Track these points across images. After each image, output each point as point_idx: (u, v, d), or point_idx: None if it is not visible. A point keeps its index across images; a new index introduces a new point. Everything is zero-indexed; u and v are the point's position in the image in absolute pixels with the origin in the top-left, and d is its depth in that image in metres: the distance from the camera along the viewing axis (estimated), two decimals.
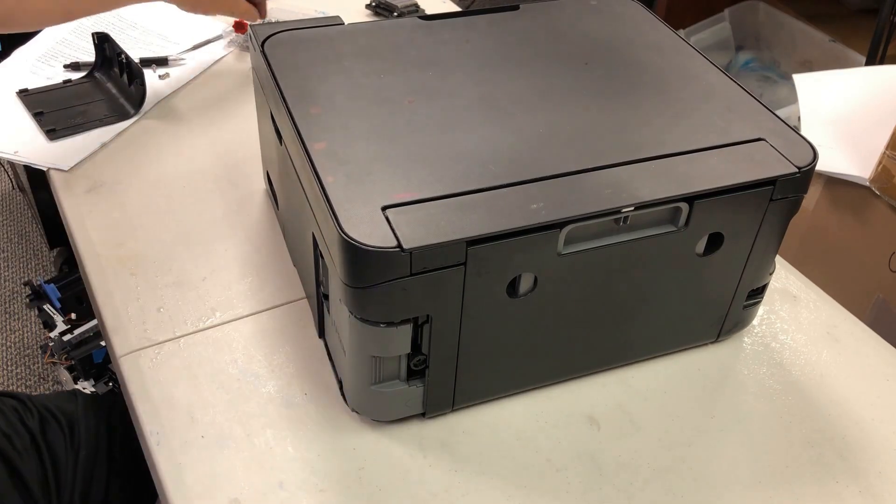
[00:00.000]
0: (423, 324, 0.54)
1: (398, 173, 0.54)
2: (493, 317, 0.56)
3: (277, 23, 0.69)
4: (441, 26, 0.71)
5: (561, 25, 0.72)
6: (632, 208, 0.53)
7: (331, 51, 0.66)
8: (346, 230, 0.49)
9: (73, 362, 1.37)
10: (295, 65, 0.65)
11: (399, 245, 0.49)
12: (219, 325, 0.69)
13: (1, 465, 0.72)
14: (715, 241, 0.60)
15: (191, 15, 1.17)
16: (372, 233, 0.49)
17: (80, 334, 1.38)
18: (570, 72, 0.66)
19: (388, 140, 0.57)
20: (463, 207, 0.52)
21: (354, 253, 0.49)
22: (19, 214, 2.00)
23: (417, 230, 0.50)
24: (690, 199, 0.55)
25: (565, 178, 0.55)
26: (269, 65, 0.64)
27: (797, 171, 0.57)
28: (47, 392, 1.57)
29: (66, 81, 1.01)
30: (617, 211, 0.53)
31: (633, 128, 0.60)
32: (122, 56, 0.97)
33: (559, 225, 0.52)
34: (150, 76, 1.01)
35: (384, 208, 0.51)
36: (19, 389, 1.57)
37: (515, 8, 0.74)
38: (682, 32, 2.03)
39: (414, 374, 0.58)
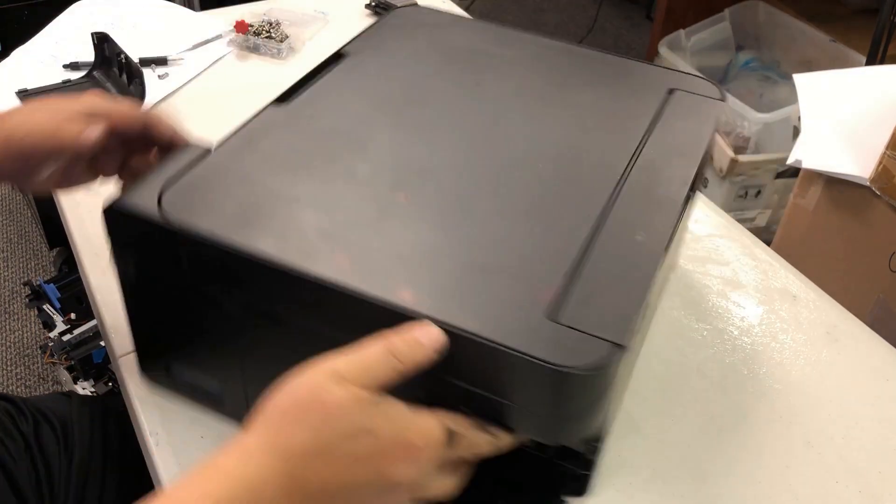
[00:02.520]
0: None
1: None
2: None
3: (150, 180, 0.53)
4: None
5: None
6: None
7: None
8: None
9: (72, 362, 1.37)
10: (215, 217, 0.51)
11: None
12: None
13: None
14: None
15: (190, 14, 1.17)
16: None
17: (79, 334, 1.38)
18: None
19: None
20: None
21: None
22: (19, 214, 2.00)
23: None
24: None
25: None
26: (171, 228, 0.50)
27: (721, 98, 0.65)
28: (47, 392, 1.57)
29: (65, 81, 1.01)
30: None
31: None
32: (122, 56, 0.97)
33: None
34: (150, 76, 1.01)
35: None
36: (19, 389, 1.57)
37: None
38: (682, 32, 2.04)
39: None
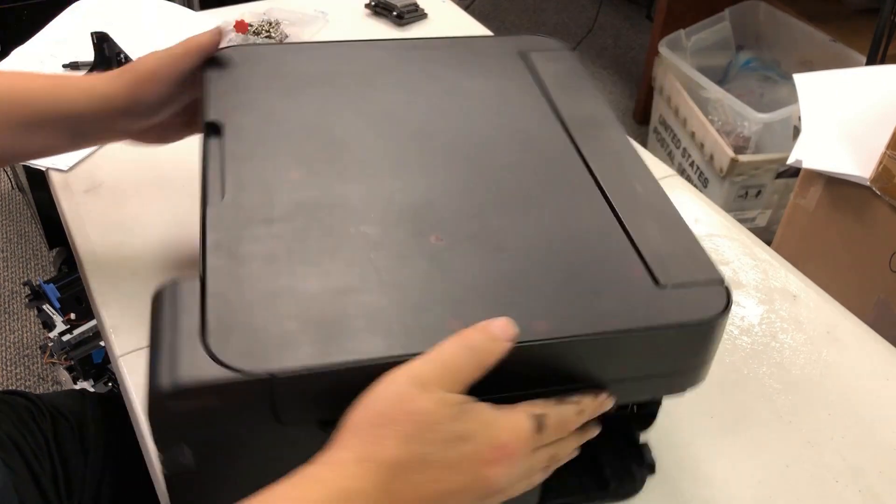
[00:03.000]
0: None
1: None
2: None
3: None
4: None
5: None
6: None
7: None
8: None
9: (72, 362, 1.37)
10: None
11: None
12: None
13: (23, 465, 0.71)
14: None
15: (190, 14, 1.17)
16: None
17: (79, 334, 1.38)
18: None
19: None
20: None
21: None
22: (18, 214, 2.00)
23: None
24: None
25: None
26: None
27: None
28: (48, 392, 1.57)
29: None
30: None
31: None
32: (122, 55, 0.97)
33: None
34: None
35: None
36: (19, 390, 1.57)
37: None
38: (682, 32, 2.04)
39: None
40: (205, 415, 0.41)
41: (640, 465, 0.58)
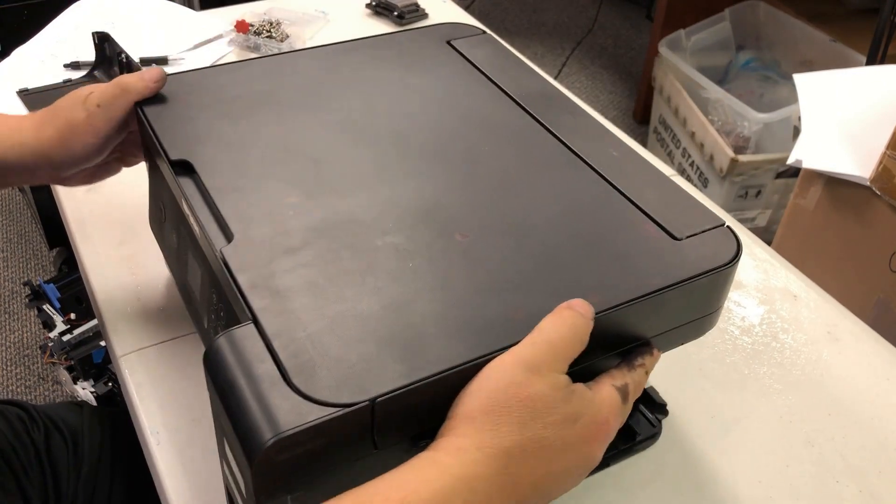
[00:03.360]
0: None
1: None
2: None
3: None
4: None
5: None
6: None
7: None
8: None
9: (72, 362, 1.37)
10: None
11: None
12: None
13: (11, 478, 0.71)
14: None
15: (191, 14, 1.17)
16: None
17: (79, 334, 1.38)
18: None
19: None
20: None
21: None
22: (19, 214, 2.00)
23: None
24: None
25: None
26: None
27: None
28: (46, 392, 1.57)
29: (66, 81, 1.01)
30: None
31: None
32: (123, 55, 0.97)
33: None
34: None
35: None
36: (19, 389, 1.57)
37: None
38: (682, 32, 2.04)
39: None
40: (307, 459, 0.39)
41: (652, 408, 0.61)
